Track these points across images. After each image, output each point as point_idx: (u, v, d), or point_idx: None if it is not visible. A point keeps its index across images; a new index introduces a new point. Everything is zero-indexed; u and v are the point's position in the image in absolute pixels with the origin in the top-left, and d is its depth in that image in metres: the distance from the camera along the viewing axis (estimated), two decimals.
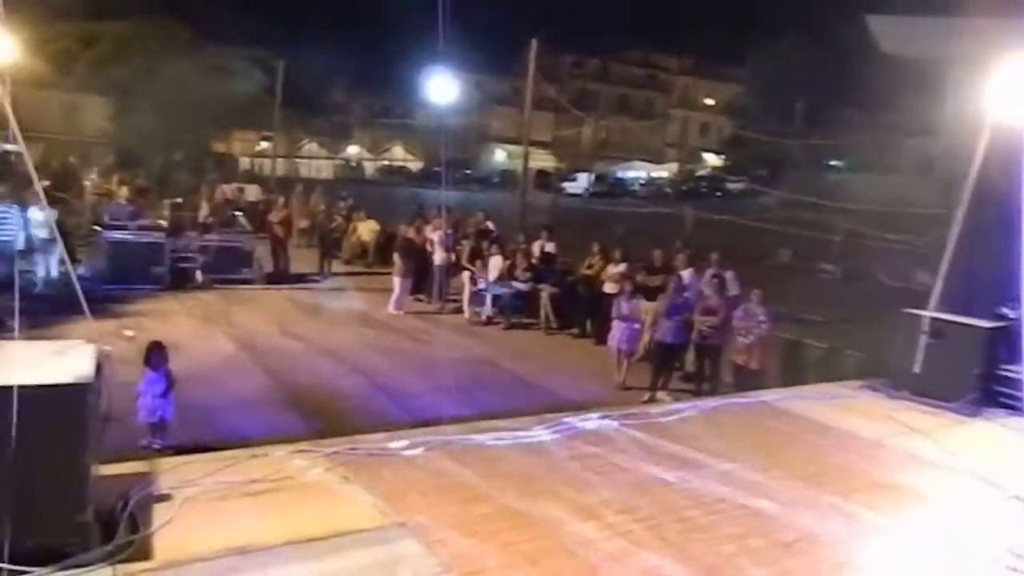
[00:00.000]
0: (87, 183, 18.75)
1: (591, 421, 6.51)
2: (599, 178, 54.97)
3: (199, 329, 11.69)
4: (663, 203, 39.11)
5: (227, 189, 22.39)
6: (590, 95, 61.78)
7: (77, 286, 5.09)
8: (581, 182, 52.31)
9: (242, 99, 31.35)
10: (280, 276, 16.08)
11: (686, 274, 10.96)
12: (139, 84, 28.50)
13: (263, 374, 9.75)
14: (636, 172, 62.38)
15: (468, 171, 54.96)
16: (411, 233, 15.08)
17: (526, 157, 18.47)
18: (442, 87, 28.16)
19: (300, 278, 16.46)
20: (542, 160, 61.80)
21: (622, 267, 12.65)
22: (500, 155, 65.18)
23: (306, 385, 9.39)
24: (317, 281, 16.54)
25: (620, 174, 60.68)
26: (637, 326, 10.34)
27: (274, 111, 31.77)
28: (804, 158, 46.64)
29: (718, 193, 54.13)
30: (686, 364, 10.55)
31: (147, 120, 29.14)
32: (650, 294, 11.16)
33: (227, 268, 14.98)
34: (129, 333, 10.95)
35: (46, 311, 11.51)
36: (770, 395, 7.48)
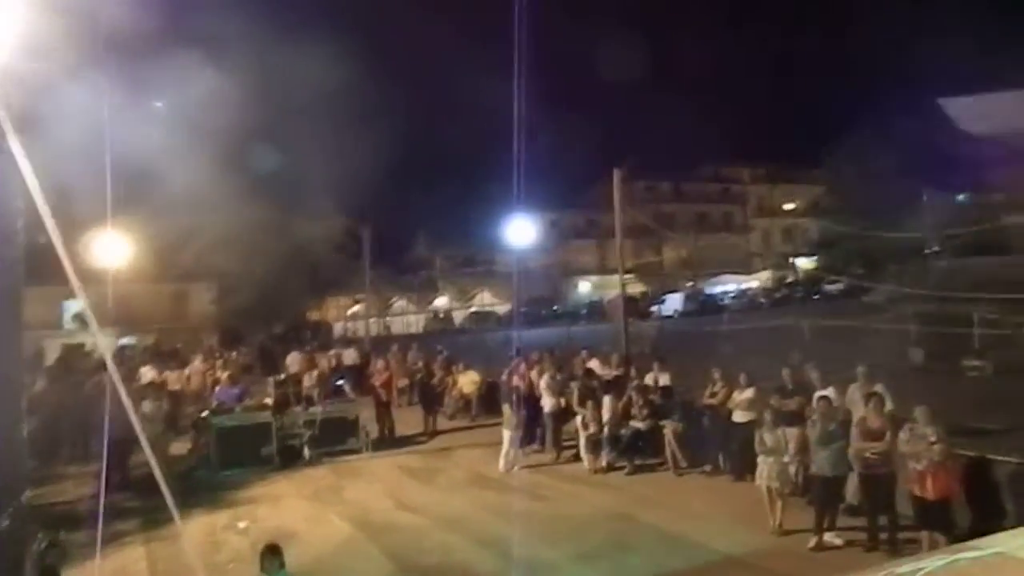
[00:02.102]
0: (187, 371, 19.09)
1: None
2: (688, 297, 53.87)
3: (311, 511, 11.14)
4: (761, 315, 37.58)
5: (326, 358, 22.52)
6: (666, 217, 61.90)
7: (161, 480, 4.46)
8: (671, 303, 51.38)
9: (332, 267, 32.43)
10: (387, 441, 15.60)
11: (830, 393, 9.82)
12: (237, 267, 29.87)
13: (385, 558, 9.00)
14: (725, 286, 60.99)
15: (555, 307, 54.82)
16: (516, 380, 14.48)
17: (623, 286, 17.91)
18: (520, 229, 28.40)
19: (406, 441, 15.92)
20: (627, 286, 61.49)
21: (750, 392, 11.60)
22: (584, 287, 65.22)
23: (434, 568, 8.58)
24: (423, 442, 15.94)
25: (708, 290, 59.39)
26: (787, 459, 9.20)
27: (364, 274, 32.62)
28: (903, 249, 44.55)
29: (816, 296, 52.04)
30: (846, 496, 9.26)
31: (246, 299, 30.32)
32: (789, 420, 10.05)
33: (334, 440, 14.62)
34: (242, 525, 10.53)
35: (153, 507, 11.30)
36: (1004, 541, 6.02)
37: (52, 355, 25.90)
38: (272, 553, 6.34)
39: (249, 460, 13.62)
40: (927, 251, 50.34)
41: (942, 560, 5.85)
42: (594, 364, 15.39)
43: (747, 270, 65.21)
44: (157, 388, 15.19)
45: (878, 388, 9.49)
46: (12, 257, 2.51)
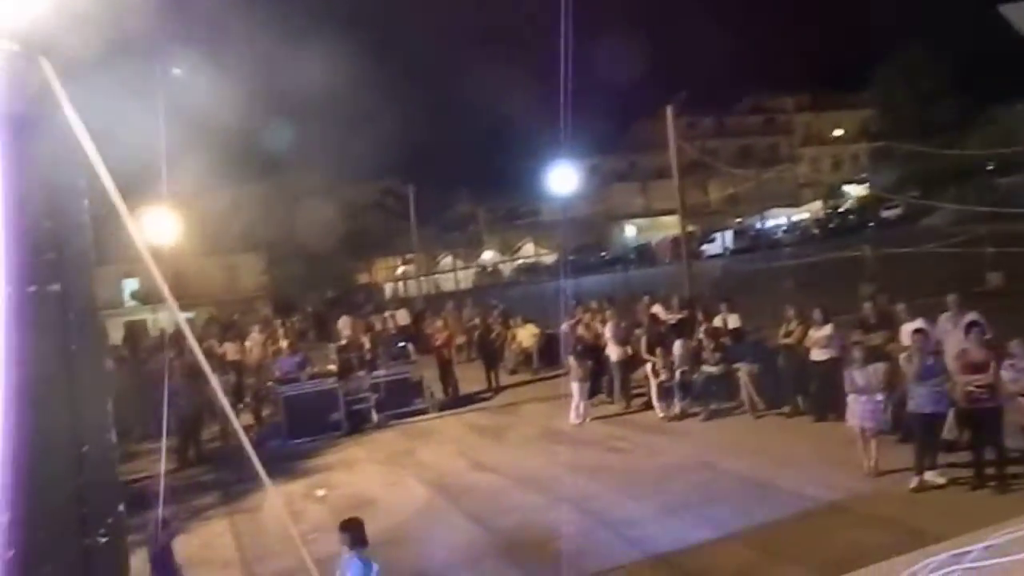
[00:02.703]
0: (248, 343, 19.18)
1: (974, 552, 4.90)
2: (738, 234, 52.73)
3: (387, 476, 11.08)
4: (817, 247, 36.53)
5: (380, 320, 22.49)
6: (710, 153, 60.27)
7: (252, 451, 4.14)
8: (720, 242, 50.36)
9: (379, 229, 32.37)
10: (452, 400, 15.51)
11: (922, 325, 9.27)
12: (284, 235, 29.96)
13: (466, 521, 8.87)
14: (775, 220, 59.42)
15: (603, 253, 54.21)
16: (581, 330, 14.17)
17: (684, 227, 17.29)
18: (562, 177, 27.79)
19: (471, 399, 15.80)
20: (672, 227, 60.42)
21: (828, 329, 11.10)
22: (630, 231, 64.26)
23: (515, 527, 8.42)
24: (489, 399, 15.81)
25: (759, 225, 57.98)
26: (880, 398, 8.74)
27: (411, 234, 32.47)
28: (962, 169, 42.42)
29: (871, 224, 50.44)
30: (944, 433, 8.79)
31: (296, 267, 30.48)
32: (876, 356, 9.56)
33: (400, 402, 14.57)
34: (320, 492, 10.52)
35: (232, 480, 11.39)
36: None
37: (116, 333, 26.45)
38: (351, 527, 5.81)
39: (318, 427, 13.64)
40: (989, 168, 48.16)
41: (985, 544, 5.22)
42: (657, 309, 14.98)
43: (796, 202, 63.42)
44: (222, 361, 15.26)
45: (973, 316, 8.92)
46: (83, 245, 2.25)
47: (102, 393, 2.23)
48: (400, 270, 46.51)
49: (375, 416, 14.16)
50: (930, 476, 8.09)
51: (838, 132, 68.01)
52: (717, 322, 13.12)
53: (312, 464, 12.10)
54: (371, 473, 11.33)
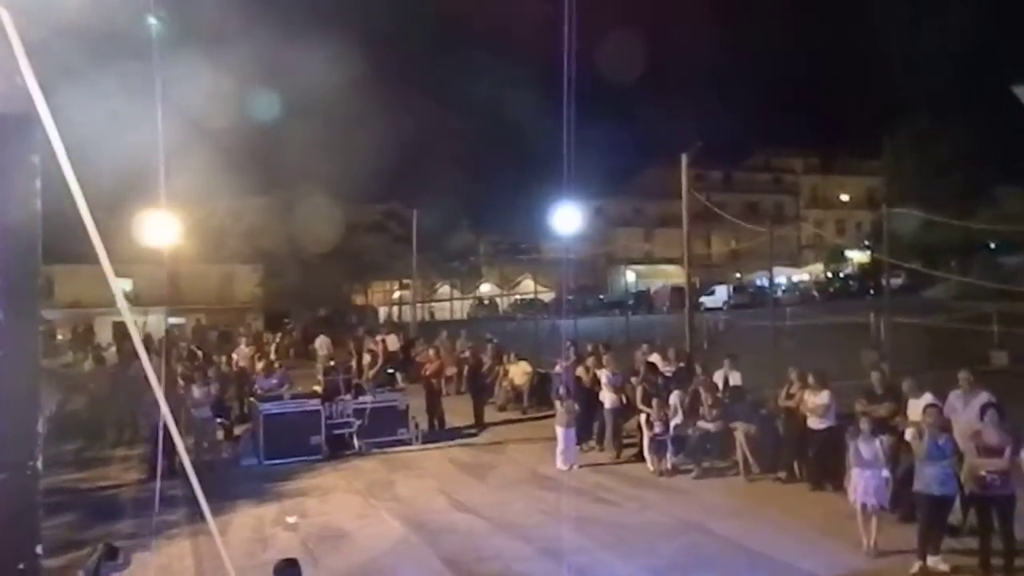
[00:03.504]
0: (235, 355, 18.76)
1: None
2: (737, 289, 52.59)
3: (362, 507, 10.61)
4: (818, 309, 36.31)
5: (373, 342, 22.09)
6: (717, 206, 60.24)
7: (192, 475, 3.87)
8: (720, 295, 50.13)
9: (379, 251, 32.12)
10: (437, 433, 15.07)
11: (933, 400, 8.92)
12: (283, 249, 29.65)
13: (441, 564, 8.40)
14: (776, 278, 59.33)
15: (601, 296, 53.96)
16: (580, 372, 13.82)
17: (688, 278, 16.96)
18: (566, 216, 27.30)
19: (457, 432, 15.35)
20: (672, 276, 60.26)
21: (825, 396, 10.73)
22: (630, 276, 64.09)
23: None
24: (474, 435, 15.35)
25: (758, 282, 57.83)
26: (886, 473, 8.35)
27: (410, 259, 32.16)
28: (965, 243, 42.41)
29: (871, 291, 50.31)
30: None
31: (292, 282, 30.13)
32: (881, 429, 9.19)
33: (384, 430, 14.12)
34: (292, 519, 10.04)
35: (209, 495, 10.91)
36: None
37: (104, 332, 26.00)
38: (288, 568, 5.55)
39: (297, 449, 13.19)
40: (991, 246, 48.26)
41: None
42: (655, 358, 14.60)
43: (798, 263, 63.40)
44: (204, 372, 14.85)
45: (988, 396, 8.58)
46: (32, 235, 1.93)
47: (28, 410, 1.88)
48: (396, 294, 46.15)
49: (357, 443, 13.71)
50: (933, 562, 7.67)
51: (844, 196, 68.26)
52: (717, 377, 12.76)
53: (287, 488, 11.63)
54: (347, 503, 10.86)
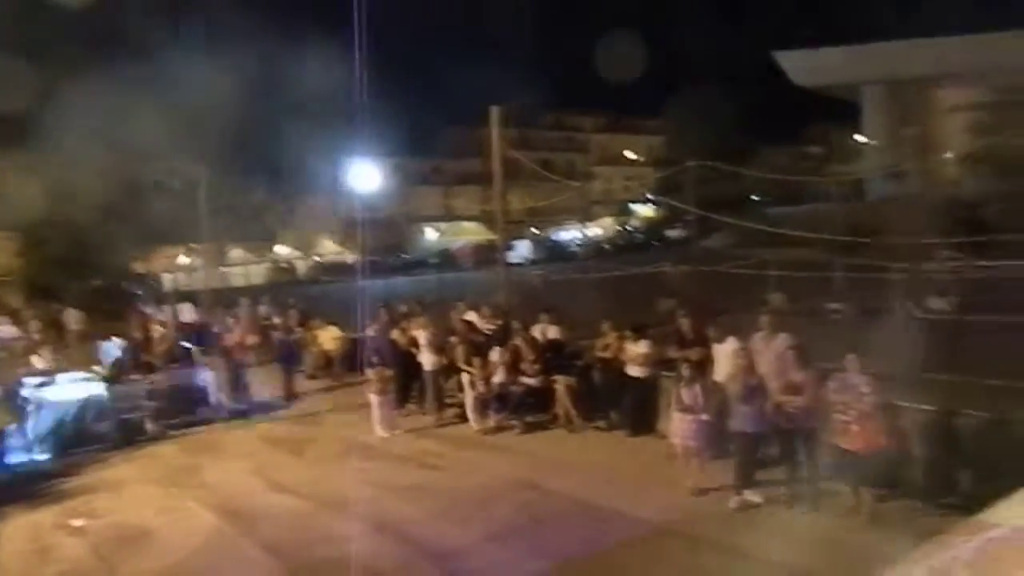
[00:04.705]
0: None
1: None
2: (535, 244, 54.19)
3: (164, 500, 9.50)
4: (613, 261, 38.12)
5: (159, 314, 20.08)
6: (511, 163, 61.35)
7: None
8: (520, 251, 51.28)
9: (162, 214, 29.26)
10: (244, 409, 13.93)
11: (735, 342, 9.45)
12: (46, 213, 26.06)
13: (263, 553, 7.68)
14: (571, 233, 61.90)
15: (404, 255, 53.43)
16: (396, 335, 13.30)
17: (502, 232, 16.79)
18: (363, 174, 26.50)
19: (266, 407, 14.27)
20: (474, 233, 60.81)
21: (644, 345, 11.11)
22: (431, 235, 63.96)
23: (322, 562, 7.39)
24: (285, 407, 14.40)
25: (555, 237, 59.99)
26: (706, 416, 8.72)
27: (198, 221, 29.58)
28: (737, 196, 46.72)
29: (656, 243, 54.04)
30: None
31: (58, 250, 26.72)
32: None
33: (182, 410, 12.84)
34: (78, 523, 8.78)
35: None
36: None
37: None
38: None
39: (80, 440, 11.61)
40: (757, 199, 53.56)
41: (978, 538, 5.33)
42: (472, 317, 14.43)
43: (590, 218, 66.37)
44: None
45: (787, 338, 9.19)
46: None
47: None
48: (183, 260, 42.61)
49: (150, 426, 12.33)
50: (749, 495, 8.16)
51: (631, 155, 72.18)
52: (535, 332, 12.80)
53: (68, 486, 10.16)
54: (144, 496, 9.67)
